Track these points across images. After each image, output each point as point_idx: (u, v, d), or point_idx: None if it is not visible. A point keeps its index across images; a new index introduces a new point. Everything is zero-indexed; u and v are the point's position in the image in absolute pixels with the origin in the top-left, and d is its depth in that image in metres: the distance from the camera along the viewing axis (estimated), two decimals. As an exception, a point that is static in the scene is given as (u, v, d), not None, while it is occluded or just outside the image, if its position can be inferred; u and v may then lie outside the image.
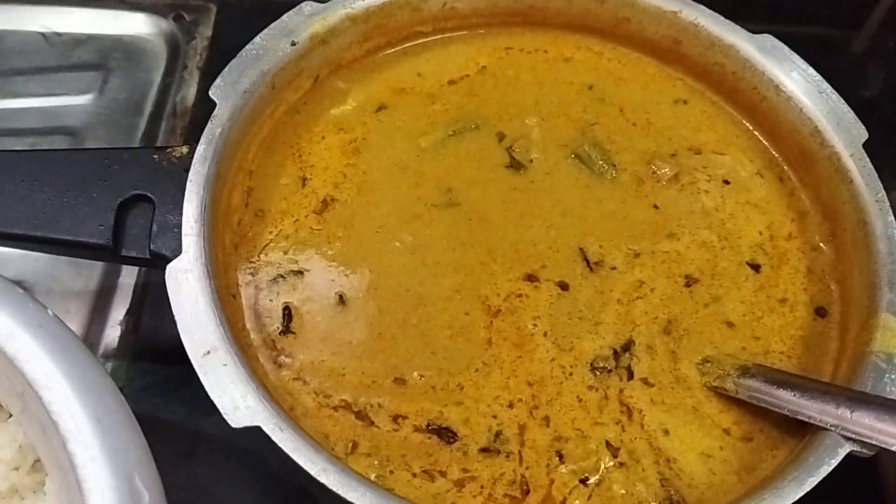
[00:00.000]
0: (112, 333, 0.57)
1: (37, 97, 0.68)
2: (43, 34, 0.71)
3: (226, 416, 0.38)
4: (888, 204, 0.49)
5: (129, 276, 0.59)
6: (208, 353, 0.39)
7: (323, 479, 0.37)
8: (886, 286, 0.46)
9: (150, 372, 0.55)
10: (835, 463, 0.40)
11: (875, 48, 0.82)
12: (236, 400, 0.39)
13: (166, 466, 0.37)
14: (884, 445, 0.39)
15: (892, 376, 0.43)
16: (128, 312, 0.58)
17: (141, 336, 0.57)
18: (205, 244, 0.43)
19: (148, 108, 0.69)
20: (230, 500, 0.52)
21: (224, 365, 0.39)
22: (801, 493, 0.39)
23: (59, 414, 0.32)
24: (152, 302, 0.58)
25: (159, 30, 0.73)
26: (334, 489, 0.37)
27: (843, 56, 0.81)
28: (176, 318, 0.40)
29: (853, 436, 0.40)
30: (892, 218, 0.49)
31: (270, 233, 0.49)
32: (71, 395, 0.33)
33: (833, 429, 0.41)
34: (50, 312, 0.36)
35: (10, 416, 0.38)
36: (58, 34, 0.71)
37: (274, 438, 0.38)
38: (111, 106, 0.69)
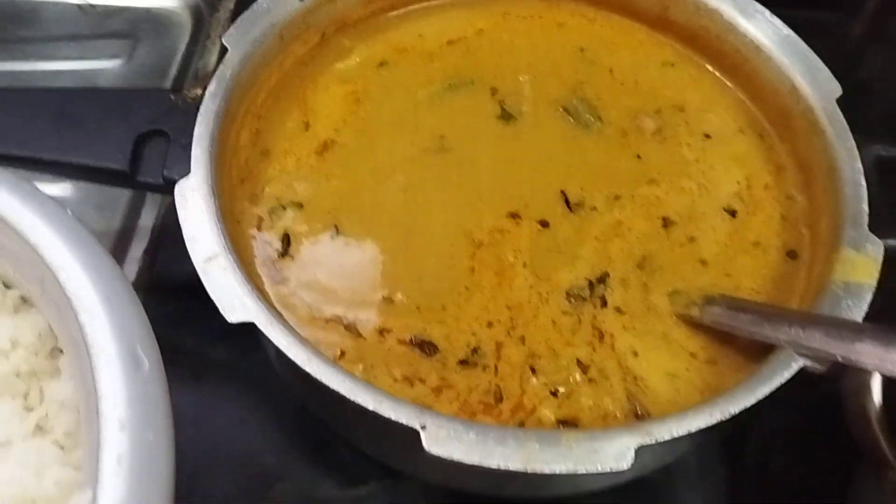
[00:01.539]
0: (130, 269, 0.61)
1: (70, 60, 0.74)
2: (79, 5, 0.77)
3: (223, 312, 0.42)
4: (857, 152, 0.52)
5: (147, 219, 0.64)
6: (210, 259, 0.43)
7: (308, 369, 0.40)
8: (849, 225, 0.49)
9: (162, 304, 0.59)
10: (788, 375, 0.42)
11: (874, 32, 0.84)
12: (233, 299, 0.42)
13: (174, 385, 0.41)
14: (832, 359, 0.42)
15: (848, 302, 0.45)
16: (145, 251, 0.62)
17: (156, 272, 0.62)
18: (212, 168, 0.47)
19: (172, 73, 0.74)
20: (233, 418, 0.56)
21: (224, 269, 0.43)
22: (753, 401, 0.41)
23: (73, 291, 0.36)
24: (169, 243, 0.63)
25: (185, 3, 0.78)
26: (318, 377, 0.40)
27: (841, 39, 0.84)
28: (182, 228, 0.45)
29: (805, 352, 0.43)
30: (859, 165, 0.51)
31: (274, 169, 0.53)
32: (84, 276, 0.37)
33: (787, 345, 0.43)
34: (68, 211, 0.40)
35: (31, 307, 0.43)
36: (92, 5, 0.77)
37: (265, 332, 0.41)
38: (138, 70, 0.74)
